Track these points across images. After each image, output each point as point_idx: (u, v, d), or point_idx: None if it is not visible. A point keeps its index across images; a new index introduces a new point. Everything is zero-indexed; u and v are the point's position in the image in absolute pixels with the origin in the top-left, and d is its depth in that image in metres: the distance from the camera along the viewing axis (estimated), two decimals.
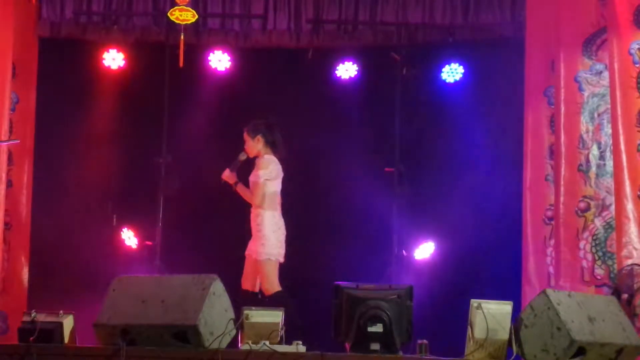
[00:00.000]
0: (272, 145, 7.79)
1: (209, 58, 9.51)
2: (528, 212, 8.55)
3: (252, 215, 7.70)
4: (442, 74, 9.43)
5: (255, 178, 7.66)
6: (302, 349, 5.80)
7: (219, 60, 9.51)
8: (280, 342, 5.85)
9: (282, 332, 5.87)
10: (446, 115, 9.29)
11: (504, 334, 5.80)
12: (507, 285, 8.24)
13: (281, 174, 7.77)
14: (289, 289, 7.62)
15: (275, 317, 5.90)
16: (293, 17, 9.35)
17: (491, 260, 8.72)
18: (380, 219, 9.19)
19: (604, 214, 7.95)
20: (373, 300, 5.90)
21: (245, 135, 7.83)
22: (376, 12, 9.34)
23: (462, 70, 9.39)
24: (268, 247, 7.58)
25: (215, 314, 5.85)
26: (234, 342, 5.99)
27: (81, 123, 9.35)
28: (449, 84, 9.44)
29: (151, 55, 9.40)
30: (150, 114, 9.33)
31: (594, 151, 8.04)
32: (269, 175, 7.67)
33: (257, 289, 7.65)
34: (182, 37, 8.68)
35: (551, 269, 8.33)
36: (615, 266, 7.63)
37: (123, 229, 9.34)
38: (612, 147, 7.70)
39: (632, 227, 7.39)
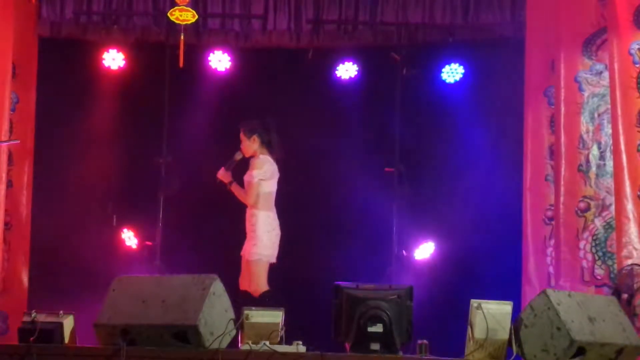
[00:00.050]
0: (268, 146, 7.81)
1: (209, 58, 9.51)
2: (528, 212, 8.55)
3: (247, 215, 7.72)
4: (442, 74, 9.43)
5: (250, 178, 7.68)
6: (302, 349, 5.81)
7: (219, 61, 9.51)
8: (280, 342, 5.85)
9: (282, 332, 5.88)
10: (446, 115, 9.28)
11: (504, 334, 5.80)
12: (507, 286, 8.23)
13: (276, 175, 7.78)
14: (289, 289, 7.63)
15: (275, 317, 5.90)
16: (293, 17, 9.34)
17: (491, 260, 8.72)
18: (380, 219, 9.19)
19: (604, 214, 7.95)
20: (373, 300, 5.90)
21: (242, 135, 7.85)
22: (376, 12, 9.33)
23: (462, 71, 9.39)
24: (260, 247, 7.61)
25: (215, 314, 5.86)
26: (234, 342, 5.99)
27: (81, 123, 9.35)
28: (449, 84, 9.43)
29: (151, 55, 9.41)
30: (150, 114, 9.33)
31: (594, 151, 8.04)
32: (264, 175, 7.68)
33: None
34: (182, 37, 8.67)
35: (551, 269, 8.33)
36: (615, 266, 7.63)
37: (123, 229, 9.35)
38: (612, 147, 7.70)
39: (632, 227, 7.39)
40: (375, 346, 5.85)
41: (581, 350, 5.73)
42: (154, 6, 9.35)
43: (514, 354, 5.82)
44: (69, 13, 9.29)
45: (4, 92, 8.30)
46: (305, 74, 9.44)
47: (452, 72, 9.41)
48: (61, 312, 6.10)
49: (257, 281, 7.58)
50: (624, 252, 7.40)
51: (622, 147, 7.48)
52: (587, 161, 8.04)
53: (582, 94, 8.10)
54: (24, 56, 8.94)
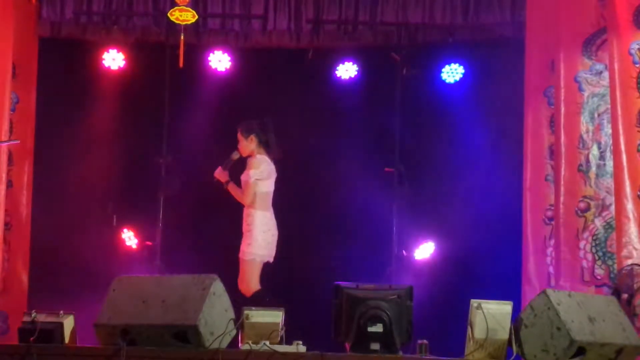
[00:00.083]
0: (266, 146, 7.80)
1: (209, 58, 9.51)
2: (528, 212, 8.55)
3: (244, 215, 7.72)
4: (442, 74, 9.43)
5: (246, 177, 7.67)
6: (302, 349, 5.80)
7: (219, 61, 9.51)
8: (280, 342, 5.85)
9: (282, 332, 5.88)
10: (446, 115, 9.29)
11: (504, 334, 5.80)
12: (507, 285, 8.23)
13: (274, 175, 7.77)
14: (290, 289, 7.63)
15: (275, 317, 5.90)
16: (293, 17, 9.34)
17: (491, 260, 8.72)
18: (380, 219, 9.19)
19: (604, 214, 7.95)
20: (373, 300, 5.90)
21: (239, 135, 7.85)
22: (376, 12, 9.33)
23: (462, 71, 9.39)
24: (254, 247, 7.60)
25: (215, 314, 5.85)
26: (234, 342, 5.99)
27: (81, 123, 9.35)
28: (449, 84, 9.44)
29: (151, 55, 9.41)
30: (150, 114, 9.33)
31: (594, 151, 8.04)
32: (260, 175, 7.67)
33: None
34: (182, 37, 8.68)
35: (551, 269, 8.33)
36: (615, 266, 7.63)
37: (123, 229, 9.35)
38: (612, 147, 7.70)
39: (632, 227, 7.38)
40: (375, 346, 5.84)
41: (581, 350, 5.73)
42: (154, 6, 9.36)
43: (514, 354, 5.81)
44: (69, 13, 9.29)
45: (4, 92, 8.30)
46: (305, 74, 9.45)
47: (452, 72, 9.42)
48: (61, 312, 6.10)
49: (248, 281, 7.57)
50: (624, 252, 7.40)
51: (622, 147, 7.48)
52: (587, 161, 8.04)
53: (582, 94, 8.10)
54: (24, 56, 8.94)
